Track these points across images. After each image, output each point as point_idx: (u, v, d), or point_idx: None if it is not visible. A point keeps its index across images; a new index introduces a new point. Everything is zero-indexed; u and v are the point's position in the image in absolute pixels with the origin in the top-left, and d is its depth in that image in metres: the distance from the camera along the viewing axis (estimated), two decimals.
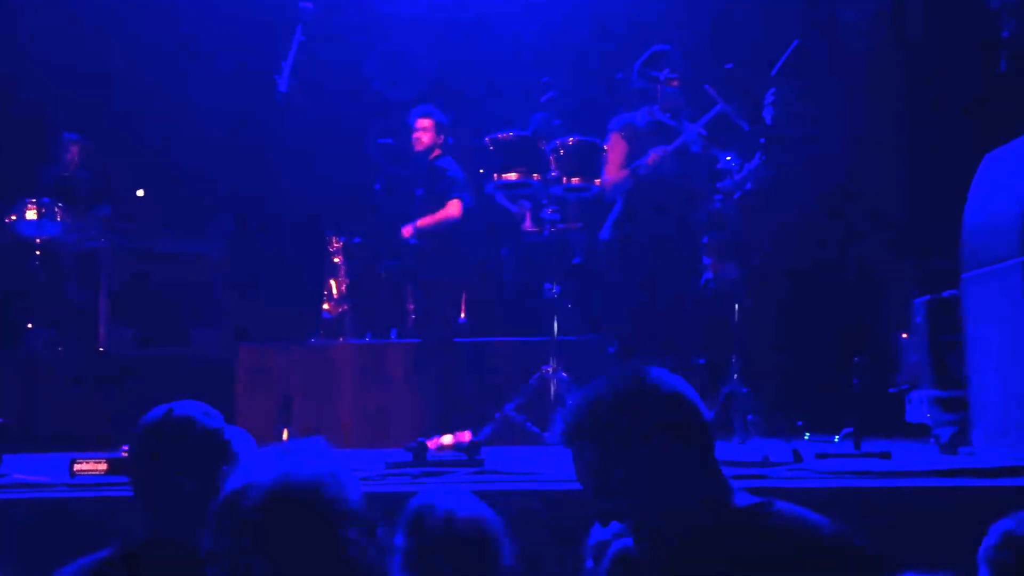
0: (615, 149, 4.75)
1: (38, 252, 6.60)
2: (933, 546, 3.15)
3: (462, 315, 6.26)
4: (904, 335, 5.59)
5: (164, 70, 7.18)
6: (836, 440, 5.33)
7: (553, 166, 4.64)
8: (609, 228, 4.78)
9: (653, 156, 4.62)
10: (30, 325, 6.60)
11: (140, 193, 7.39)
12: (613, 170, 4.73)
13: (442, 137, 5.61)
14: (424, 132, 5.54)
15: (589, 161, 4.68)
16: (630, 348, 4.64)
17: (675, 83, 4.63)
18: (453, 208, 5.39)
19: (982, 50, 5.55)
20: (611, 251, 4.71)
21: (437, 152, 5.59)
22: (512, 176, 4.62)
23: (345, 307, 6.49)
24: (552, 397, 4.67)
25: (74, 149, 6.94)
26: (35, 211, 6.53)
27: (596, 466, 1.82)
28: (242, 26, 6.84)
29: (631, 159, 4.68)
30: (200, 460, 2.10)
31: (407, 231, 5.47)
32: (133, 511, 2.15)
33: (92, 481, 3.91)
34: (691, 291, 4.65)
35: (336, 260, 6.54)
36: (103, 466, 4.01)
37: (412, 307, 6.33)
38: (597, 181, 4.68)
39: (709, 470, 1.81)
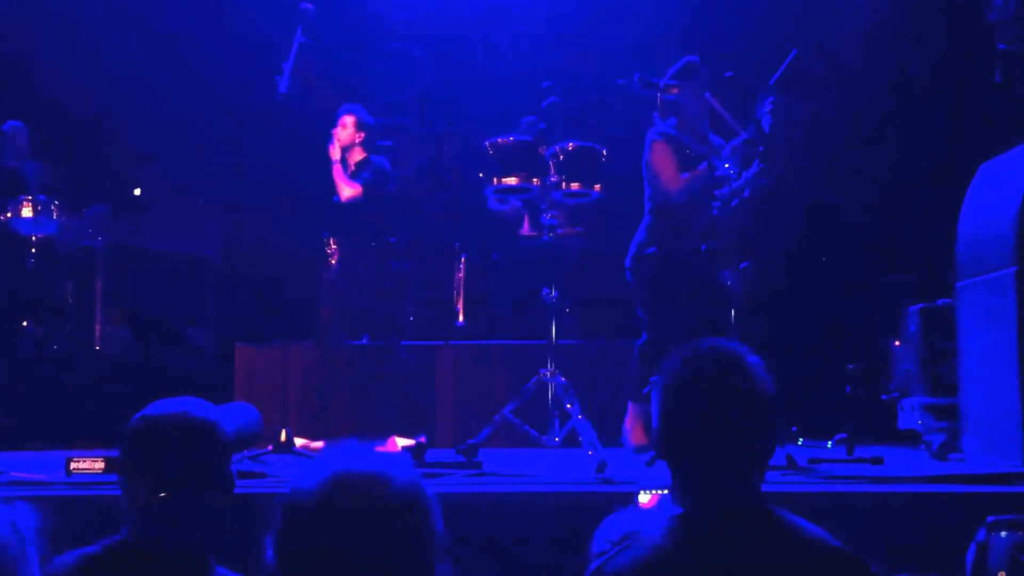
0: (666, 156, 4.77)
1: (33, 250, 6.60)
2: (923, 551, 3.21)
3: (460, 318, 6.28)
4: (897, 343, 5.64)
5: (164, 68, 7.19)
6: (829, 446, 5.38)
7: (553, 171, 4.67)
8: (649, 239, 4.82)
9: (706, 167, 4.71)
10: (25, 323, 6.60)
11: (137, 192, 7.38)
12: (674, 175, 4.76)
13: (363, 135, 5.62)
14: (343, 128, 5.57)
15: (589, 166, 4.69)
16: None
17: (674, 91, 4.66)
18: (351, 187, 5.50)
19: (978, 61, 5.59)
20: (654, 261, 4.76)
21: (359, 152, 5.62)
22: (512, 180, 4.64)
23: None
24: (550, 400, 4.70)
25: (19, 138, 6.86)
26: (31, 209, 6.53)
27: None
28: (242, 26, 6.85)
29: (681, 164, 4.74)
30: (195, 456, 2.05)
31: None
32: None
33: (89, 480, 3.89)
34: (710, 297, 4.72)
35: (334, 261, 6.53)
36: (100, 464, 3.99)
37: (410, 309, 6.34)
38: (597, 187, 4.71)
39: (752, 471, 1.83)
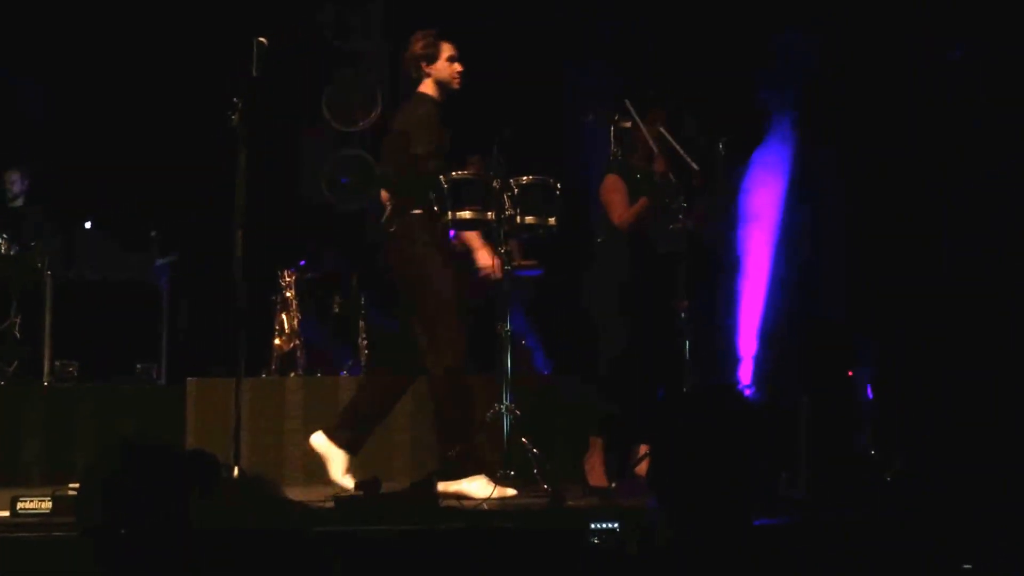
0: (616, 190, 4.88)
1: None
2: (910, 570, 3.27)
3: None
4: (852, 372, 5.71)
5: (115, 100, 7.14)
6: None
7: (507, 205, 4.68)
8: (602, 270, 4.88)
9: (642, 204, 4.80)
10: None
11: (87, 226, 7.30)
12: (623, 209, 4.87)
13: None
14: None
15: (543, 200, 4.73)
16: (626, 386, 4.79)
17: (628, 124, 4.73)
18: None
19: (937, 97, 5.70)
20: (607, 291, 4.82)
21: None
22: (466, 214, 4.64)
23: (297, 342, 6.44)
24: (505, 434, 4.68)
25: (17, 180, 6.87)
26: None
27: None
28: (196, 60, 6.83)
29: (632, 195, 4.83)
30: (154, 493, 2.03)
31: None
32: (78, 552, 2.09)
33: (36, 519, 3.83)
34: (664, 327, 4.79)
35: (288, 295, 6.50)
36: (47, 504, 3.94)
37: (364, 342, 6.32)
38: (551, 220, 4.73)
39: None
